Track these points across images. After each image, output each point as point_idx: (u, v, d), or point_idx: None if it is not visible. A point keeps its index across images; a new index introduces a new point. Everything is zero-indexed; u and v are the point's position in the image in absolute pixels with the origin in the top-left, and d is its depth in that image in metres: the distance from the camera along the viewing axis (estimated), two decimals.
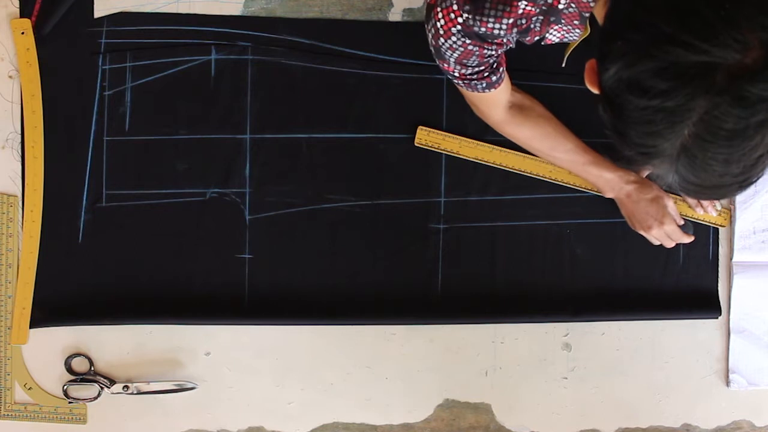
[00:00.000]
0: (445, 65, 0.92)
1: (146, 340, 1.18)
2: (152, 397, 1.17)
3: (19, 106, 1.16)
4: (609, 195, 1.14)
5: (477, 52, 0.88)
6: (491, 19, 0.82)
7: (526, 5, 0.82)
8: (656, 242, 1.15)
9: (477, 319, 1.19)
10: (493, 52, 0.89)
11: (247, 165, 1.17)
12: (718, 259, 1.21)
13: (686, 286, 1.20)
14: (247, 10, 1.17)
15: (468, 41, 0.86)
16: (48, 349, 1.17)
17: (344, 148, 1.17)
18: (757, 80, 0.58)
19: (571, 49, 0.98)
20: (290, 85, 1.17)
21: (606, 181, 1.12)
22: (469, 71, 0.93)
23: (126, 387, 1.17)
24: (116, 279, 1.16)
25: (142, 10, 1.16)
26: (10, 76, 1.16)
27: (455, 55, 0.89)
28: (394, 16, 1.18)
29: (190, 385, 1.17)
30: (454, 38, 0.86)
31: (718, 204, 1.19)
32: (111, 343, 1.17)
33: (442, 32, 0.86)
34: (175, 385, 1.17)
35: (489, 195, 1.19)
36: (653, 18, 0.60)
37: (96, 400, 1.17)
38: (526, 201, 1.19)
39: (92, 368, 1.17)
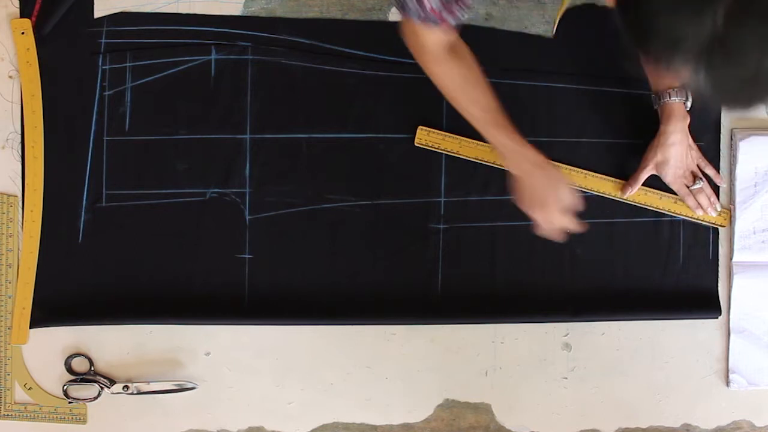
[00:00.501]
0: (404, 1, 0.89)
1: (146, 340, 1.18)
2: (152, 397, 1.17)
3: (19, 106, 1.16)
4: (509, 167, 1.07)
5: None
6: None
7: None
8: (542, 224, 1.08)
9: (477, 319, 1.19)
10: None
11: (247, 165, 1.17)
12: (718, 259, 1.21)
13: (686, 286, 1.20)
14: (247, 10, 1.17)
15: None
16: (48, 349, 1.17)
17: (344, 148, 1.17)
18: None
19: (561, 13, 0.96)
20: (290, 85, 1.17)
21: (510, 151, 1.06)
22: (430, 7, 0.89)
23: (126, 387, 1.17)
24: (116, 279, 1.16)
25: (142, 10, 1.16)
26: (10, 76, 1.16)
27: None
28: (394, 16, 1.18)
29: (190, 385, 1.17)
30: None
31: (718, 205, 1.18)
32: (111, 343, 1.17)
33: None
34: (175, 385, 1.17)
35: (489, 195, 1.19)
36: None
37: (96, 400, 1.17)
38: None
39: (92, 368, 1.17)
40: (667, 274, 1.20)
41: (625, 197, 1.18)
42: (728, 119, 1.21)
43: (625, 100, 1.19)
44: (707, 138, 1.20)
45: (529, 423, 1.21)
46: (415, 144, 1.17)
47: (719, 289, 1.21)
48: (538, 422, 1.21)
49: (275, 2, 1.17)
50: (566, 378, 1.21)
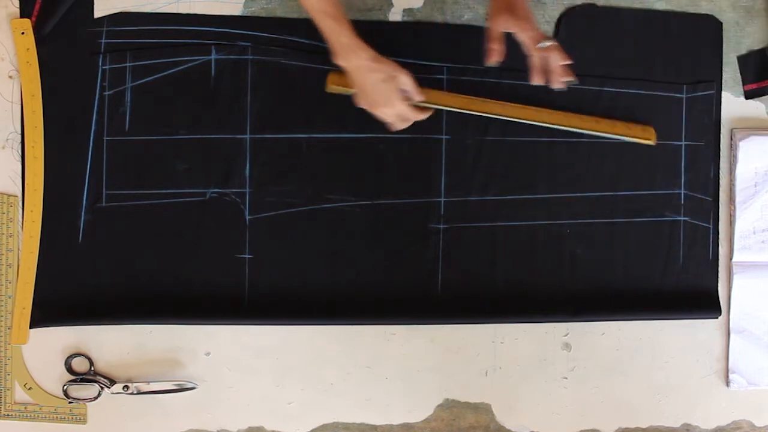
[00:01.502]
0: None
1: (146, 340, 1.18)
2: (152, 397, 1.17)
3: (19, 106, 1.16)
4: (341, 62, 1.04)
5: None
6: None
7: None
8: (389, 121, 1.07)
9: (477, 319, 1.19)
10: None
11: (247, 165, 1.17)
12: (718, 259, 1.21)
13: (686, 286, 1.20)
14: (247, 10, 1.17)
15: None
16: (48, 349, 1.17)
17: (344, 148, 1.17)
18: None
19: None
20: (290, 85, 1.17)
21: (341, 45, 1.03)
22: None
23: (126, 387, 1.17)
24: (116, 279, 1.16)
25: (142, 10, 1.16)
26: (10, 76, 1.16)
27: None
28: (394, 16, 1.18)
29: (190, 385, 1.17)
30: None
31: (547, 42, 1.04)
32: (111, 343, 1.17)
33: None
34: (175, 385, 1.17)
35: (489, 195, 1.19)
36: None
37: (96, 400, 1.17)
38: (526, 201, 1.19)
39: (92, 368, 1.17)
40: (667, 274, 1.20)
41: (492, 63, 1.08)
42: (728, 119, 1.21)
43: (625, 100, 1.19)
44: (707, 138, 1.20)
45: (529, 423, 1.21)
46: (326, 91, 1.14)
47: (719, 289, 1.21)
48: (538, 422, 1.21)
49: (275, 2, 1.17)
50: (566, 378, 1.21)
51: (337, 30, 1.02)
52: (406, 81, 1.06)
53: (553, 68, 1.04)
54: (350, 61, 1.03)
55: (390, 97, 1.05)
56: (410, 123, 1.09)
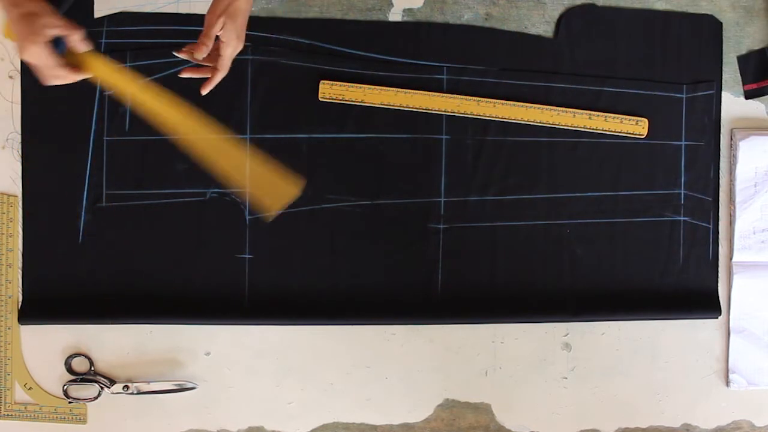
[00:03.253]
0: None
1: (146, 340, 1.18)
2: (152, 397, 1.17)
3: (19, 106, 1.16)
4: None
5: None
6: None
7: None
8: (37, 71, 0.95)
9: (477, 319, 1.19)
10: None
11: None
12: (718, 259, 1.21)
13: (686, 286, 1.20)
14: None
15: None
16: (48, 349, 1.17)
17: (344, 148, 1.17)
18: None
19: None
20: (290, 85, 1.17)
21: None
22: None
23: (126, 387, 1.17)
24: (116, 279, 1.16)
25: (142, 10, 1.16)
26: (10, 76, 1.16)
27: None
28: (394, 16, 1.18)
29: (190, 385, 1.17)
30: None
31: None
32: (111, 343, 1.18)
33: None
34: (175, 385, 1.17)
35: (489, 195, 1.19)
36: None
37: (96, 400, 1.17)
38: (526, 201, 1.19)
39: (92, 368, 1.17)
40: (667, 274, 1.20)
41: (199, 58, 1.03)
42: (728, 119, 1.21)
43: (625, 100, 1.19)
44: (707, 138, 1.20)
45: (529, 423, 1.21)
46: (319, 99, 1.16)
47: (719, 289, 1.21)
48: (538, 422, 1.21)
49: (275, 2, 1.17)
50: (566, 378, 1.21)
51: None
52: (50, 22, 0.92)
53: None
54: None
55: (24, 36, 0.92)
56: (65, 81, 0.96)
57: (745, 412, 1.22)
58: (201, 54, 1.01)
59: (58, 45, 0.93)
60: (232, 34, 1.01)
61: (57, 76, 0.96)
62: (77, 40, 0.95)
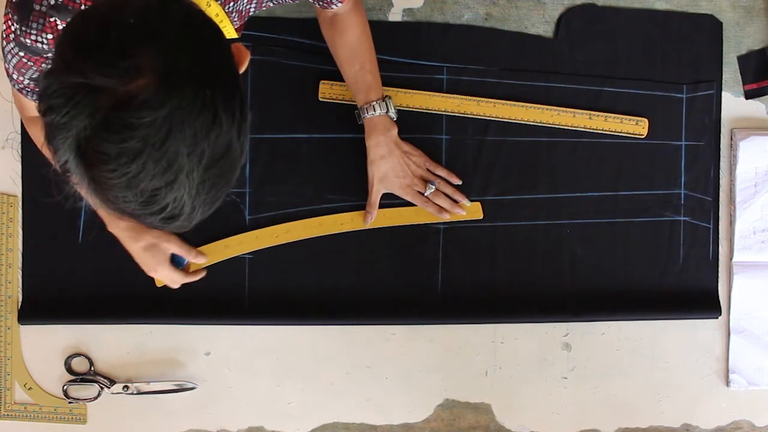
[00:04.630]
0: (6, 68, 0.87)
1: (146, 340, 1.18)
2: (152, 397, 1.17)
3: None
4: (109, 230, 1.09)
5: (34, 67, 0.84)
6: (33, 32, 0.79)
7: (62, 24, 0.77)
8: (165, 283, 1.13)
9: (477, 319, 1.19)
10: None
11: (247, 165, 1.17)
12: (718, 259, 1.21)
13: (686, 286, 1.20)
14: None
15: (21, 53, 0.82)
16: (48, 349, 1.17)
17: (344, 148, 1.17)
18: (131, 107, 0.58)
19: None
20: (290, 85, 1.17)
21: (104, 217, 1.07)
22: (24, 83, 0.89)
23: (126, 387, 1.17)
24: (116, 279, 1.16)
25: None
26: None
27: (13, 62, 0.84)
28: (394, 16, 1.18)
29: (190, 385, 1.17)
30: (10, 46, 0.82)
31: (464, 200, 1.16)
32: (111, 343, 1.17)
33: (3, 36, 0.83)
34: (175, 385, 1.17)
35: (489, 195, 1.19)
36: (59, 49, 0.62)
37: (96, 400, 1.17)
38: (526, 201, 1.19)
39: (92, 368, 1.17)
40: (667, 274, 1.20)
41: (368, 225, 1.16)
42: (728, 119, 1.21)
43: (625, 100, 1.19)
44: (707, 138, 1.20)
45: (529, 423, 1.21)
46: (319, 99, 1.16)
47: (719, 289, 1.21)
48: (538, 422, 1.21)
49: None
50: (566, 378, 1.21)
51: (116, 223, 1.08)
52: (169, 247, 1.10)
53: (446, 207, 1.15)
54: (113, 230, 1.08)
55: (151, 263, 1.10)
56: (184, 283, 1.13)
57: (745, 412, 1.22)
58: (369, 220, 1.16)
59: (178, 261, 1.12)
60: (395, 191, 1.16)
61: (180, 282, 1.12)
62: (194, 256, 1.11)
